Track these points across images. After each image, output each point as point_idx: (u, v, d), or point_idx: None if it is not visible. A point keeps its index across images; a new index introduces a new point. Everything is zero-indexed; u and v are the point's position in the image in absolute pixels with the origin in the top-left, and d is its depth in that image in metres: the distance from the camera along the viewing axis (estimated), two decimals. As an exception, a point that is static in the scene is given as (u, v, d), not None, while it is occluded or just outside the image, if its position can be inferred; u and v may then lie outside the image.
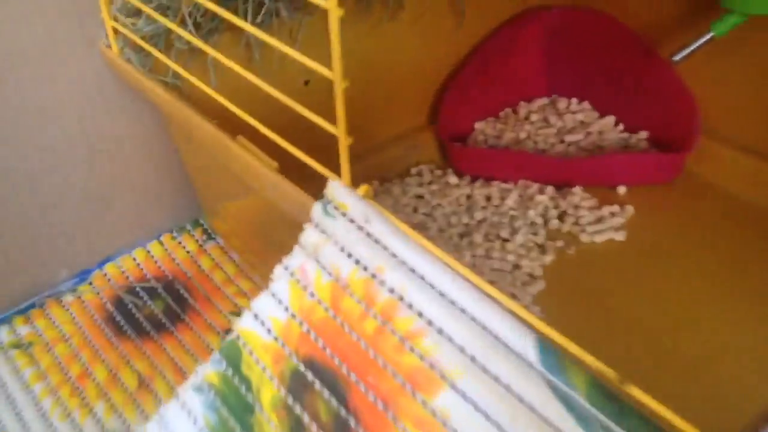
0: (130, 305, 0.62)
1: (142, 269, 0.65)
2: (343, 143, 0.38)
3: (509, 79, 0.81)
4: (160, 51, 0.55)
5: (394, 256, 0.35)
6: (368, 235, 0.36)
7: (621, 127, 0.78)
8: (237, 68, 0.44)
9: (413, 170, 0.76)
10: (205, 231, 0.69)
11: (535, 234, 0.67)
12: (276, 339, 0.36)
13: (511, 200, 0.70)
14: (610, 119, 0.78)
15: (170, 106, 0.53)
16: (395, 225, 0.36)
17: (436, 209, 0.70)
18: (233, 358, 0.37)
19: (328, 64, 0.37)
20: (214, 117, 0.50)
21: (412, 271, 0.34)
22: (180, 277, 0.64)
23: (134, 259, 0.66)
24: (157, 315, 0.61)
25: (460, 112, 0.78)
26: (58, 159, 0.60)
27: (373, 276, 0.35)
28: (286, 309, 0.37)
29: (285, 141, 0.43)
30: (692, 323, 0.58)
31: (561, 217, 0.69)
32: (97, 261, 0.65)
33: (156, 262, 0.66)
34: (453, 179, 0.73)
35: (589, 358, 0.28)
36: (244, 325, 0.37)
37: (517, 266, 0.64)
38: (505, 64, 0.80)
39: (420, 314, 0.33)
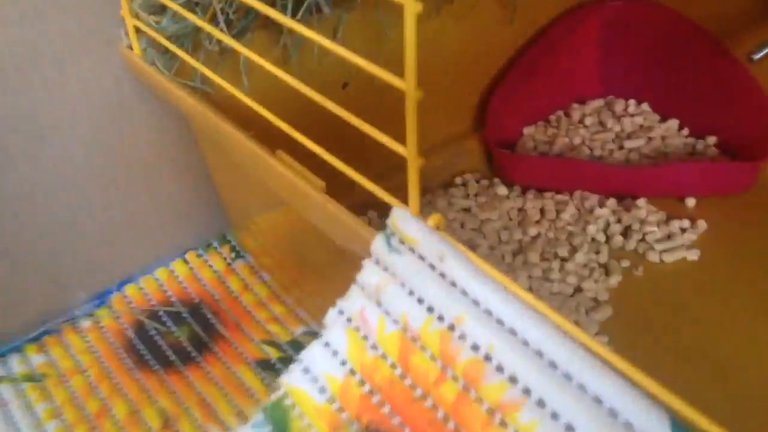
0: (152, 332, 0.56)
1: (165, 291, 0.59)
2: (414, 166, 0.32)
3: (561, 79, 0.75)
4: (187, 53, 0.49)
5: (476, 303, 0.29)
6: (443, 276, 0.30)
7: (686, 131, 0.71)
8: (277, 71, 0.38)
9: (458, 180, 0.69)
10: (233, 248, 0.63)
11: (597, 252, 0.61)
12: (332, 401, 0.30)
13: (567, 214, 0.63)
14: (674, 123, 0.71)
15: (199, 115, 0.47)
16: (476, 265, 0.30)
17: (485, 224, 0.64)
18: (280, 421, 0.31)
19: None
20: (247, 126, 0.44)
21: (501, 323, 0.28)
22: (207, 300, 0.58)
23: (156, 280, 0.60)
24: (182, 343, 0.55)
25: (507, 116, 0.72)
26: (74, 170, 0.54)
27: (451, 328, 0.29)
28: (344, 363, 0.31)
29: (337, 160, 0.37)
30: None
31: (625, 233, 0.63)
32: (116, 282, 0.60)
33: (180, 282, 0.60)
34: (502, 190, 0.67)
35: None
36: (293, 381, 0.31)
37: (579, 289, 0.58)
38: (556, 63, 0.74)
39: (513, 380, 0.27)
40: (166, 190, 0.60)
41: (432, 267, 0.30)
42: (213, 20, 0.50)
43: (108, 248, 0.58)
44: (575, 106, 0.75)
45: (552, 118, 0.75)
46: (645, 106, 0.74)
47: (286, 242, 0.56)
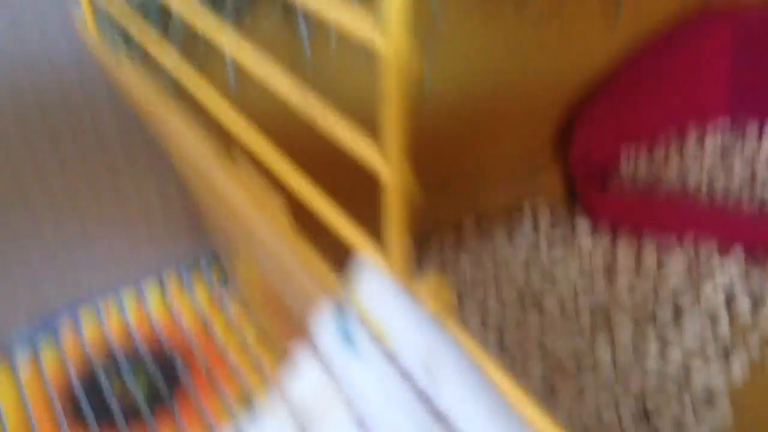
0: (102, 379, 0.43)
1: (128, 328, 0.46)
2: (396, 191, 0.17)
3: (676, 92, 0.57)
4: (158, 33, 0.35)
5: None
6: (427, 401, 0.15)
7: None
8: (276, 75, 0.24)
9: (526, 209, 0.53)
10: (222, 271, 0.49)
11: (714, 324, 0.43)
12: None
13: (675, 268, 0.46)
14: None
15: (166, 121, 0.33)
16: (495, 386, 0.15)
17: (556, 270, 0.47)
18: None
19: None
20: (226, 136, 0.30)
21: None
22: (179, 347, 0.44)
23: (120, 311, 0.47)
24: (134, 401, 0.41)
25: (601, 135, 0.55)
26: (24, 164, 0.42)
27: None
28: None
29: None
30: None
31: (756, 303, 0.45)
32: (70, 303, 0.47)
33: (150, 318, 0.46)
34: (584, 228, 0.50)
35: None
36: None
37: (686, 372, 0.41)
38: (672, 75, 0.57)
39: None
40: (139, 191, 0.46)
41: (412, 383, 0.15)
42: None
43: (65, 261, 0.45)
44: (693, 126, 0.58)
45: (660, 139, 0.57)
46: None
47: (270, 287, 0.42)
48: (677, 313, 0.44)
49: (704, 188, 0.52)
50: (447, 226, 0.51)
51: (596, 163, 0.56)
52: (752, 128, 0.56)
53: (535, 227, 0.51)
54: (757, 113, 0.57)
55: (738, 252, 0.47)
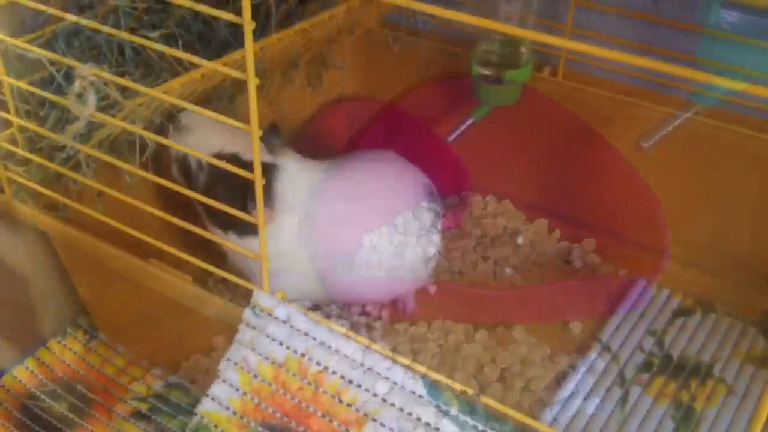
0: (36, 409, 0.52)
1: (37, 375, 0.55)
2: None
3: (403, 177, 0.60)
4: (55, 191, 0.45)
5: (315, 339, 0.38)
6: (292, 327, 0.39)
7: (557, 233, 0.58)
8: None
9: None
10: (86, 331, 0.58)
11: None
12: (235, 413, 0.39)
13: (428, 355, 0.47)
14: (542, 223, 0.58)
15: (74, 239, 0.44)
16: (312, 318, 0.39)
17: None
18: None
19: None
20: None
21: (329, 347, 0.38)
22: (74, 377, 0.55)
23: (27, 368, 0.55)
24: (64, 414, 0.52)
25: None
26: None
27: (303, 356, 0.39)
28: (238, 390, 0.39)
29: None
30: None
31: (503, 379, 0.47)
32: None
33: (48, 366, 0.55)
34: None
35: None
36: (206, 408, 0.40)
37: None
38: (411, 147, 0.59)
39: (342, 377, 0.37)
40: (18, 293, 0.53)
41: (284, 323, 0.39)
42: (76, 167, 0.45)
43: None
44: (424, 205, 0.60)
45: (398, 221, 0.59)
46: (507, 204, 0.61)
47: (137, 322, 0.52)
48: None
49: (445, 271, 0.54)
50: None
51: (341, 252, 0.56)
52: (477, 202, 0.60)
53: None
54: (480, 187, 0.61)
55: (482, 334, 0.49)
